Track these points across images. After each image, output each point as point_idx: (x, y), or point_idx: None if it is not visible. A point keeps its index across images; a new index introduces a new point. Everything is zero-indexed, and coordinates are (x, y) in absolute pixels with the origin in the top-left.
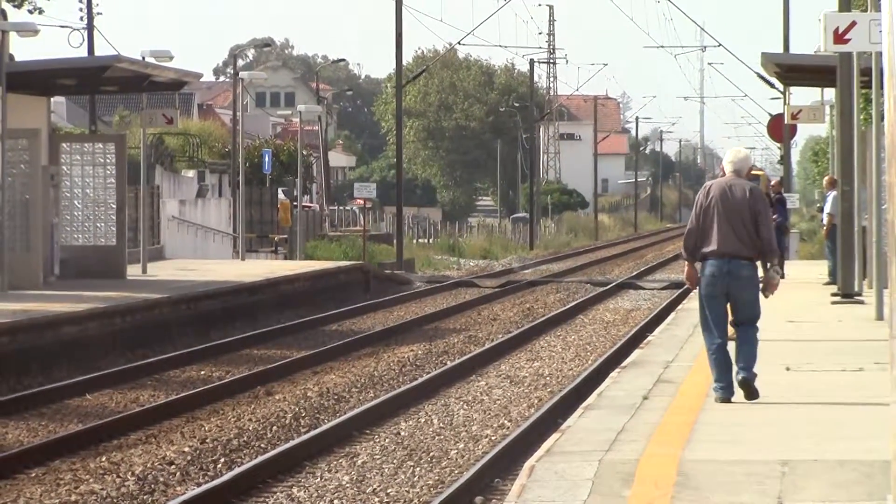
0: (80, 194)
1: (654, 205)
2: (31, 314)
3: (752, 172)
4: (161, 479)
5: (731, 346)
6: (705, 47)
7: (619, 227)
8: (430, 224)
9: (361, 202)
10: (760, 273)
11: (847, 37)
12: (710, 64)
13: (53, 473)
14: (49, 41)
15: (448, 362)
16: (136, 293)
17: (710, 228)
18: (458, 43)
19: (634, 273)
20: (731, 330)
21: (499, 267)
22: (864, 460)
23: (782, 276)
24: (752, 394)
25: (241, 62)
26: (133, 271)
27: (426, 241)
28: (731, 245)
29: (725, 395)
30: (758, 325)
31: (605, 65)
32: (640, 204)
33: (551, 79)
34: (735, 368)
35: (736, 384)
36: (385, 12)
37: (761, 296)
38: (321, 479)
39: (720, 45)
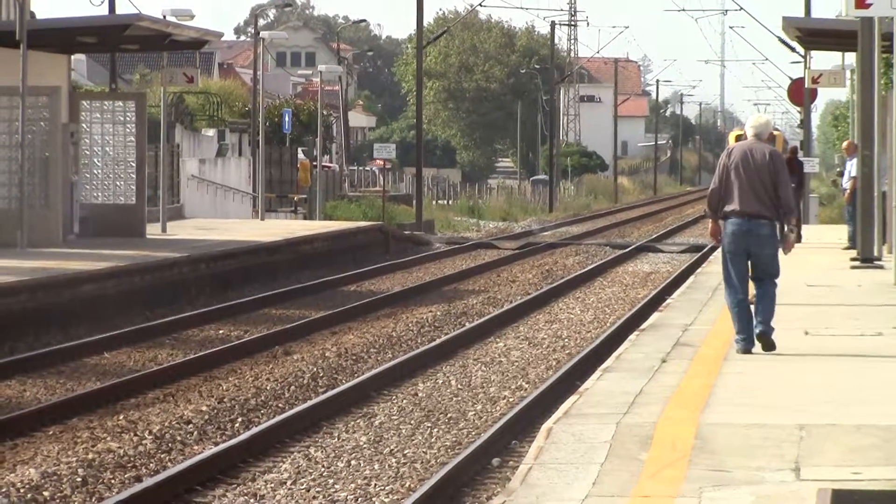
0: (99, 152)
1: (674, 168)
2: (50, 272)
3: (772, 132)
4: (178, 438)
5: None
6: (727, 11)
7: (639, 189)
8: (449, 185)
9: (381, 163)
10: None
11: (868, 1)
12: (731, 27)
13: (71, 431)
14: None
15: (466, 323)
16: (155, 252)
17: (731, 189)
18: (480, 4)
19: (654, 236)
20: (751, 292)
21: (518, 229)
22: (882, 425)
23: (798, 238)
24: (769, 346)
25: (261, 22)
26: (152, 230)
27: (446, 202)
28: (751, 205)
29: (746, 347)
30: (777, 281)
31: (626, 27)
32: (659, 167)
33: (572, 41)
34: (754, 322)
35: (755, 337)
36: None
37: (781, 254)
38: (338, 439)
39: (741, 8)
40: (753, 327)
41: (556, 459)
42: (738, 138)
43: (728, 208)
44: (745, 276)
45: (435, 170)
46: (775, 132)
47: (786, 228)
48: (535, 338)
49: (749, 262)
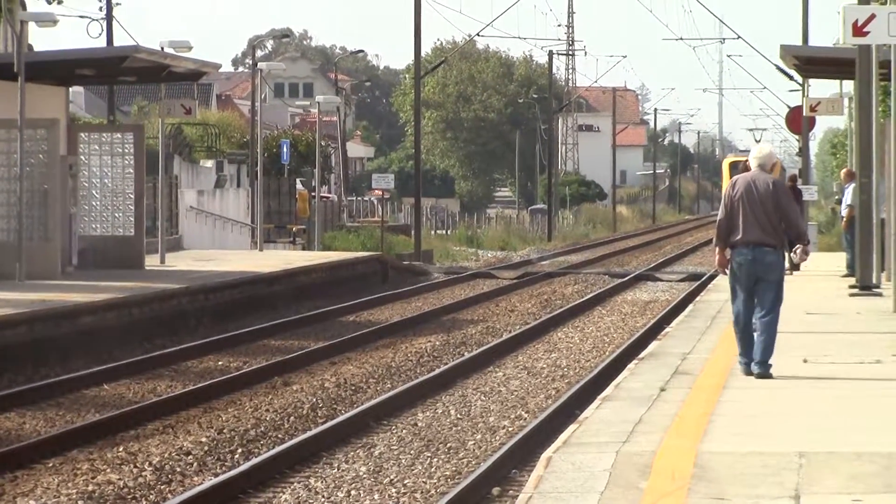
0: (98, 184)
1: (673, 197)
2: (49, 304)
3: None
4: (178, 470)
5: None
6: (724, 39)
7: (638, 218)
8: (448, 215)
9: (380, 193)
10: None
11: (866, 29)
12: (729, 56)
13: (71, 463)
14: (68, 32)
15: (466, 353)
16: (153, 283)
17: (736, 219)
18: (477, 34)
19: (652, 265)
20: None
21: (517, 258)
22: (882, 452)
23: (797, 268)
24: (766, 378)
25: (259, 53)
26: (151, 261)
27: (444, 232)
28: (756, 234)
29: (748, 370)
30: (778, 311)
31: (624, 57)
32: (658, 196)
33: (570, 70)
34: (753, 360)
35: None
36: (404, 3)
37: (786, 282)
38: (338, 469)
39: (739, 37)
40: (752, 365)
41: (555, 488)
42: (733, 165)
43: (734, 238)
44: (749, 305)
45: (433, 200)
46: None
47: (798, 248)
48: (535, 367)
49: (754, 292)
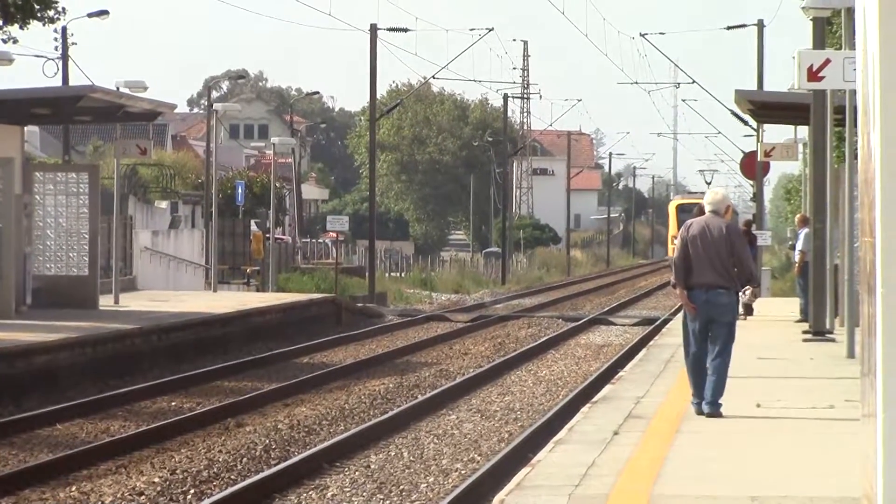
0: (53, 224)
1: (627, 241)
2: (3, 343)
3: None
4: None
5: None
6: (679, 84)
7: (592, 262)
8: (402, 258)
9: (334, 235)
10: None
11: (821, 74)
12: (683, 101)
13: (23, 503)
14: (24, 70)
15: (419, 396)
16: (107, 323)
17: (690, 262)
18: (433, 77)
19: (606, 309)
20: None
21: (471, 301)
22: (834, 497)
23: (751, 312)
24: (715, 417)
25: (215, 94)
26: (105, 301)
27: (398, 274)
28: (709, 277)
29: (700, 410)
30: (730, 351)
31: (579, 100)
32: (612, 240)
33: (525, 114)
34: (704, 400)
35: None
36: (360, 45)
37: (738, 323)
38: None
39: (694, 81)
40: (702, 405)
41: None
42: (680, 207)
43: (689, 280)
44: (702, 344)
45: (388, 242)
46: None
47: (748, 290)
48: (488, 410)
49: (708, 331)
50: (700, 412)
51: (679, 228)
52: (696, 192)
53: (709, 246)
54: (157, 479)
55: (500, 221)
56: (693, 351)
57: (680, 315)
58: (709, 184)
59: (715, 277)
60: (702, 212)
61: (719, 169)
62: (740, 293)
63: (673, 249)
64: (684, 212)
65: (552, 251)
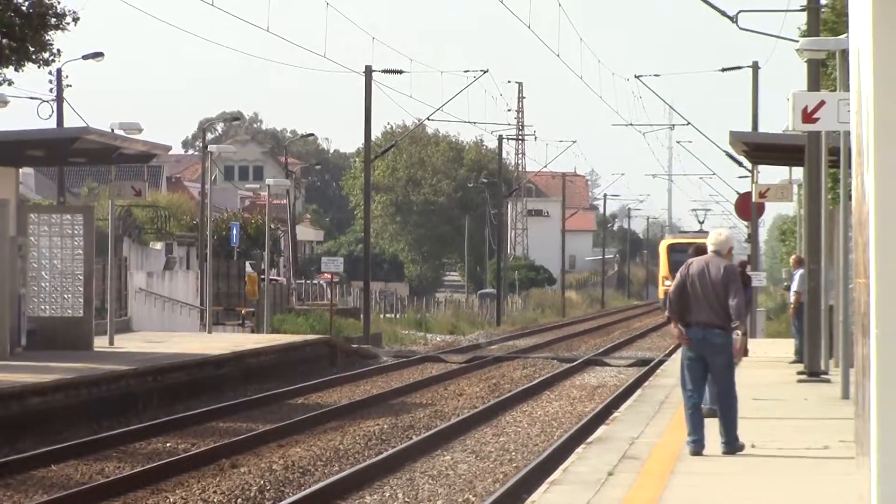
0: (47, 265)
1: (622, 282)
2: None
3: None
4: None
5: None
6: (674, 125)
7: (587, 303)
8: (397, 299)
9: (329, 276)
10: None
11: (816, 116)
12: (678, 142)
13: None
14: (18, 112)
15: (414, 436)
16: (102, 364)
17: (688, 301)
18: (427, 118)
19: (601, 350)
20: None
21: (466, 342)
22: None
23: (746, 352)
24: (733, 454)
25: (209, 135)
26: (100, 343)
27: (393, 315)
28: (706, 315)
29: (696, 449)
30: (733, 390)
31: (574, 142)
32: (607, 281)
33: (520, 155)
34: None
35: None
36: (355, 87)
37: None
38: None
39: (689, 123)
40: (720, 445)
41: None
42: (671, 247)
43: (686, 318)
44: (699, 382)
45: (383, 283)
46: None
47: (736, 334)
48: (483, 451)
49: (705, 371)
50: (696, 452)
51: (670, 268)
52: (688, 232)
53: (706, 286)
54: None
55: (494, 262)
56: (691, 391)
57: (678, 356)
58: (701, 223)
59: (712, 317)
60: (697, 252)
61: (713, 209)
62: (736, 335)
63: (664, 291)
64: (676, 251)
65: (547, 292)
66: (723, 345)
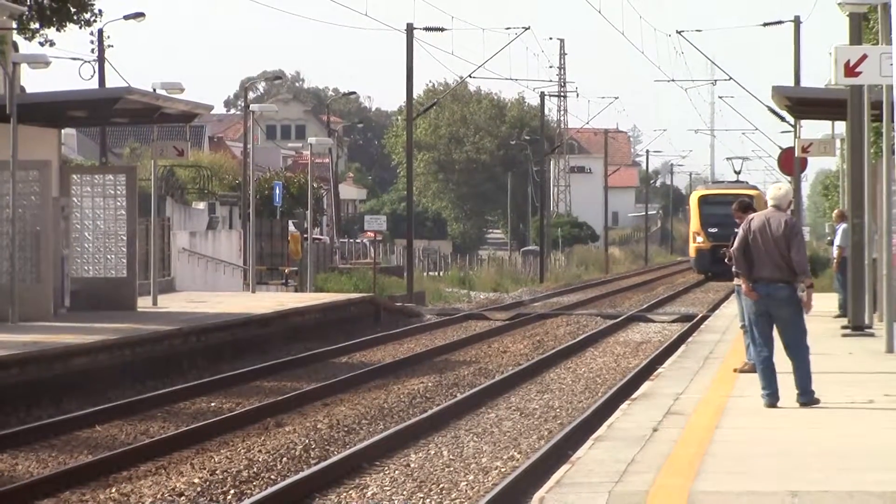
0: (90, 226)
1: (665, 238)
2: (42, 346)
3: (748, 192)
4: None
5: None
6: (716, 81)
7: (630, 260)
8: (440, 257)
9: (372, 235)
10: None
11: (858, 70)
12: (720, 97)
13: None
14: (60, 73)
15: (458, 394)
16: (146, 325)
17: (751, 256)
18: (469, 76)
19: (645, 306)
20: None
21: (509, 299)
22: (874, 492)
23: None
24: (810, 405)
25: (251, 95)
26: (143, 303)
27: (437, 273)
28: (769, 270)
29: (771, 402)
30: (804, 342)
31: (616, 98)
32: (650, 237)
33: (562, 112)
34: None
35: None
36: (396, 45)
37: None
38: None
39: (731, 78)
40: (796, 397)
41: None
42: (702, 199)
43: (751, 274)
44: (768, 336)
45: (426, 241)
46: (754, 192)
47: (800, 288)
48: (527, 408)
49: (771, 326)
50: (770, 404)
51: (701, 221)
52: (722, 182)
53: (768, 241)
54: (196, 480)
55: (537, 220)
56: (760, 345)
57: (721, 311)
58: (738, 173)
59: (775, 272)
60: (741, 207)
61: (757, 166)
62: (801, 290)
63: (696, 248)
64: (708, 203)
65: (590, 249)
66: (788, 298)
